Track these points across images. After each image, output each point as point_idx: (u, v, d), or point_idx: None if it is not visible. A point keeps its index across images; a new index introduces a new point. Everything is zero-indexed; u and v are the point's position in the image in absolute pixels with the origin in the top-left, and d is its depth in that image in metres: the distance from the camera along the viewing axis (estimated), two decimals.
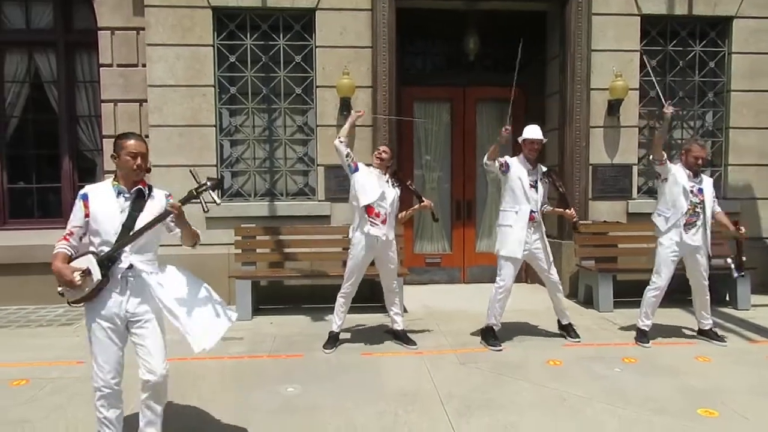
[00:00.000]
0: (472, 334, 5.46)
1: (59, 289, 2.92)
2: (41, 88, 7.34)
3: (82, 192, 3.02)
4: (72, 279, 2.82)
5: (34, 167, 7.39)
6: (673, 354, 4.98)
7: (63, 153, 7.26)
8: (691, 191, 5.04)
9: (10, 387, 4.23)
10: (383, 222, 4.98)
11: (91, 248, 2.96)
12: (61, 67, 7.21)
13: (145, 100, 6.81)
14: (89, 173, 7.32)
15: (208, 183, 3.03)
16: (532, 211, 5.07)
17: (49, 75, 7.29)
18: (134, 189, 3.02)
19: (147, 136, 6.76)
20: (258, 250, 6.62)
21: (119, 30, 6.96)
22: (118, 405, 3.04)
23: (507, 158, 5.15)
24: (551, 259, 5.30)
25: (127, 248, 2.93)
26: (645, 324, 5.24)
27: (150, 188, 3.11)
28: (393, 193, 5.08)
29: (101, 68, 6.99)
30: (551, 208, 5.26)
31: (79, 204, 2.98)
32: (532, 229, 5.11)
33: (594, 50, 7.03)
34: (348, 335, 5.48)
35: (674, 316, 6.04)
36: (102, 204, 2.96)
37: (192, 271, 3.14)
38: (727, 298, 6.74)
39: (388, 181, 5.08)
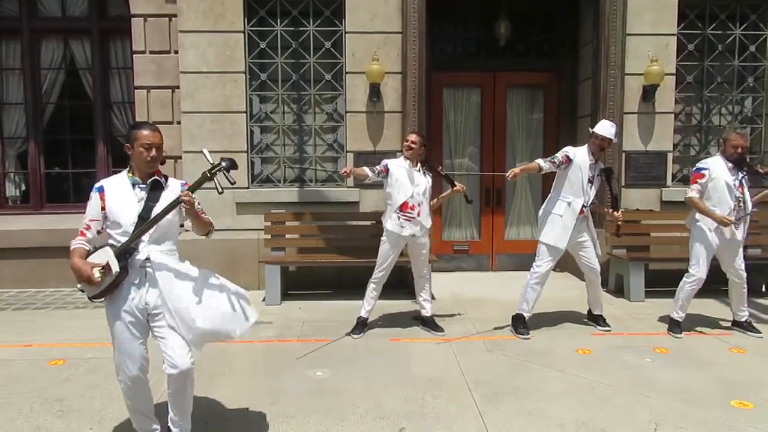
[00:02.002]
0: (500, 321, 5.42)
1: (78, 285, 2.82)
2: (76, 74, 7.46)
3: (97, 185, 2.94)
4: (90, 275, 2.72)
5: (70, 153, 7.53)
6: (706, 345, 4.89)
7: (97, 139, 7.38)
8: (734, 185, 4.86)
9: (48, 366, 4.36)
10: (418, 214, 4.97)
11: (110, 241, 2.87)
12: (96, 54, 7.33)
13: (178, 87, 6.88)
14: (123, 159, 7.38)
15: (223, 164, 2.93)
16: (583, 206, 5.02)
17: (84, 62, 7.41)
18: (150, 180, 2.94)
19: (179, 123, 6.86)
20: (287, 236, 6.68)
21: (152, 17, 7.02)
22: (145, 395, 3.01)
23: (570, 149, 5.06)
24: (599, 251, 5.25)
25: (144, 239, 2.85)
26: (679, 315, 5.14)
27: (166, 178, 3.05)
28: (425, 182, 5.04)
29: (134, 55, 7.07)
30: (599, 204, 5.21)
31: (95, 197, 2.89)
32: (579, 221, 5.04)
33: (629, 34, 6.85)
34: (376, 321, 5.50)
35: (708, 307, 5.92)
36: (118, 195, 2.89)
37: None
38: (764, 289, 6.58)
39: (419, 170, 5.04)
